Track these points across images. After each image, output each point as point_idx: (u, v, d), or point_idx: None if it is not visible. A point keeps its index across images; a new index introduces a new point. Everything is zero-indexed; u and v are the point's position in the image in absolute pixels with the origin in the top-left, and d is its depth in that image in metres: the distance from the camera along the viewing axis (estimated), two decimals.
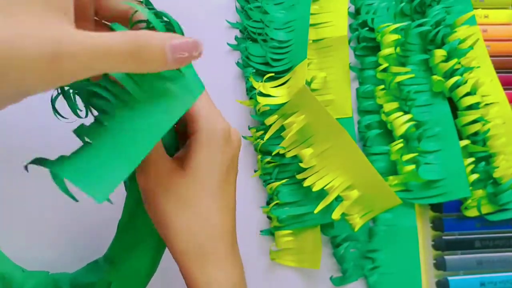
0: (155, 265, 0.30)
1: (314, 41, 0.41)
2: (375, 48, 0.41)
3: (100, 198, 0.20)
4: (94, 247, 0.36)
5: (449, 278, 0.38)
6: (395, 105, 0.39)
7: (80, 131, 0.21)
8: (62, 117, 0.26)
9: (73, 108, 0.25)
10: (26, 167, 0.20)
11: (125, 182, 0.29)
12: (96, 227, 0.37)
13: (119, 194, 0.36)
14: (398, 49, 0.40)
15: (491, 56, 0.41)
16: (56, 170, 0.20)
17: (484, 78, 0.40)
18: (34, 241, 0.36)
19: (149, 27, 0.23)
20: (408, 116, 0.38)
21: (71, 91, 0.25)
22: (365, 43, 0.41)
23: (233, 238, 0.27)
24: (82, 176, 0.20)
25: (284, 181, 0.38)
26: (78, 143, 0.22)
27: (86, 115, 0.25)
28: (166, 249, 0.29)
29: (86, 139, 0.21)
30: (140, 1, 0.25)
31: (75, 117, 0.26)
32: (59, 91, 0.25)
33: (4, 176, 0.37)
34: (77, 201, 0.21)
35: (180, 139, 0.29)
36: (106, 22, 0.25)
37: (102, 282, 0.30)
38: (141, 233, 0.29)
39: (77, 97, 0.25)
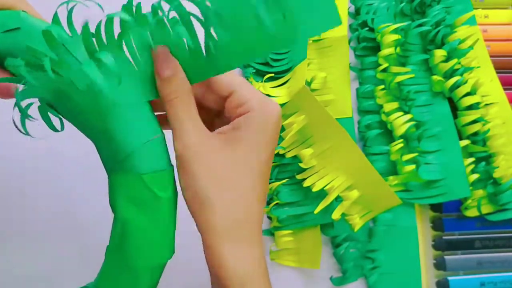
0: None
1: (314, 41, 0.41)
2: (375, 48, 0.41)
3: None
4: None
5: (449, 278, 0.38)
6: (395, 105, 0.39)
7: None
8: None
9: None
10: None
11: (113, 206, 0.25)
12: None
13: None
14: (398, 49, 0.40)
15: (491, 56, 0.41)
16: None
17: (484, 78, 0.40)
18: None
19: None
20: (408, 116, 0.38)
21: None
22: (365, 43, 0.41)
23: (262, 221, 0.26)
24: None
25: (284, 181, 0.38)
26: None
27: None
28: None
29: None
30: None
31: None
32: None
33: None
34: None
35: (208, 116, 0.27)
36: None
37: None
38: (129, 260, 0.25)
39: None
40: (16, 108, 0.22)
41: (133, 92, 0.24)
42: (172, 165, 0.25)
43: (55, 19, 0.23)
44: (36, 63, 0.22)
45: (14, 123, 0.23)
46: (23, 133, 0.23)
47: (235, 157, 0.24)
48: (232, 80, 0.25)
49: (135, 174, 0.23)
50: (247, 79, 0.40)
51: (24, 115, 0.22)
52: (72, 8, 0.25)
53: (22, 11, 0.24)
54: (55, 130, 0.24)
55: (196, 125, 0.24)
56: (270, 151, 0.25)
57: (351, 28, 0.42)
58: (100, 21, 0.24)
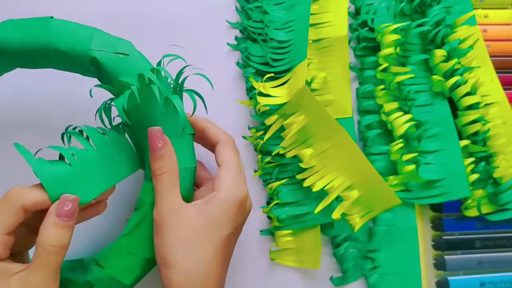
0: (139, 278, 0.31)
1: (314, 41, 0.41)
2: (375, 48, 0.41)
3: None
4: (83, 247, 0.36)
5: (449, 278, 0.38)
6: (395, 105, 0.39)
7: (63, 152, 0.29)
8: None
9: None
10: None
11: (141, 203, 0.32)
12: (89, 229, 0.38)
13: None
14: (398, 49, 0.40)
15: (491, 56, 0.41)
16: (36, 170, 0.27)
17: (484, 78, 0.40)
18: None
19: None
20: (408, 116, 0.38)
21: None
22: (365, 43, 0.41)
23: (223, 283, 0.30)
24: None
25: (284, 181, 0.38)
26: None
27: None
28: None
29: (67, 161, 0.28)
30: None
31: None
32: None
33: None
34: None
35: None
36: None
37: (83, 282, 0.30)
38: (136, 247, 0.31)
39: None
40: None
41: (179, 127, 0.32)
42: (193, 191, 0.32)
43: (159, 64, 0.32)
44: (145, 86, 0.30)
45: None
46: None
47: (202, 227, 0.28)
48: (221, 157, 0.32)
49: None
50: (247, 79, 0.40)
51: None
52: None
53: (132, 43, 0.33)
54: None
55: (174, 197, 0.29)
56: (232, 228, 0.29)
57: (351, 28, 0.42)
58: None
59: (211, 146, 0.33)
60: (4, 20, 0.32)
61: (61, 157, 0.29)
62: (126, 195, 0.38)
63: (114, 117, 0.34)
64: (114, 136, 0.31)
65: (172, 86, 0.32)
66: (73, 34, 0.31)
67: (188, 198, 0.31)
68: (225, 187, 0.29)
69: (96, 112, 0.32)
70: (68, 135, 0.31)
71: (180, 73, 0.32)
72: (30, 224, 0.28)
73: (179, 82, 0.32)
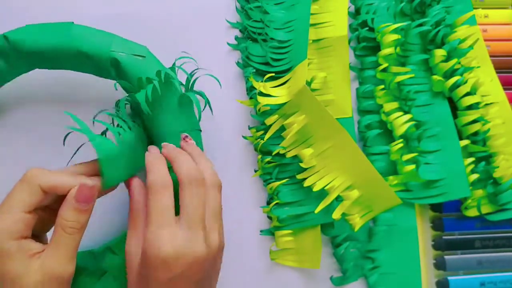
0: None
1: (314, 41, 0.41)
2: (375, 48, 0.41)
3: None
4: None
5: (449, 278, 0.38)
6: (395, 105, 0.39)
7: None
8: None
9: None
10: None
11: None
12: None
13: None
14: (398, 49, 0.40)
15: (491, 56, 0.41)
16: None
17: (484, 78, 0.40)
18: None
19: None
20: (408, 116, 0.38)
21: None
22: (365, 43, 0.41)
23: None
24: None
25: (284, 181, 0.38)
26: None
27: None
28: None
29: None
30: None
31: None
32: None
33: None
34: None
35: None
36: None
37: (96, 269, 0.32)
38: None
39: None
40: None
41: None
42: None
43: (173, 65, 0.35)
44: (167, 80, 0.34)
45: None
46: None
47: (142, 271, 0.28)
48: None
49: (174, 177, 0.31)
50: (248, 79, 0.40)
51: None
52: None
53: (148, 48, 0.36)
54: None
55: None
56: (159, 282, 0.27)
57: (351, 28, 0.42)
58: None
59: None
60: (27, 24, 0.35)
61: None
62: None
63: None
64: (137, 127, 0.34)
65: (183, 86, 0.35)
66: (95, 37, 0.34)
67: None
68: (144, 244, 0.28)
69: (117, 105, 0.35)
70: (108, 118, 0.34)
71: (191, 74, 0.35)
72: (50, 207, 0.28)
73: (190, 82, 0.35)
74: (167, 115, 0.34)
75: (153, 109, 0.33)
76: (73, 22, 0.34)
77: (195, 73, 0.36)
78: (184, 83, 0.36)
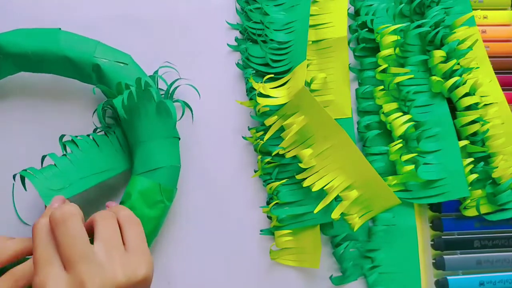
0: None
1: (313, 42, 0.42)
2: (375, 49, 0.42)
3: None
4: None
5: (448, 277, 0.38)
6: (394, 105, 0.40)
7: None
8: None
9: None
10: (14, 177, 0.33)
11: (128, 195, 0.35)
12: None
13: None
14: (397, 50, 0.40)
15: (490, 57, 0.41)
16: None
17: (483, 78, 0.40)
18: None
19: None
20: (407, 117, 0.39)
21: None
22: (365, 44, 0.42)
23: None
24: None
25: (284, 181, 0.38)
26: None
27: None
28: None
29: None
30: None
31: None
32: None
33: None
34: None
35: None
36: None
37: None
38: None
39: None
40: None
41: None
42: (176, 188, 0.36)
43: (153, 76, 0.38)
44: (145, 87, 0.34)
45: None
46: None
47: None
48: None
49: (156, 182, 0.34)
50: (247, 80, 0.40)
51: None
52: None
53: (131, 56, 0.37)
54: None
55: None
56: None
57: (350, 29, 0.43)
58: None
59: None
60: (17, 29, 0.36)
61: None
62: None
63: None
64: (101, 138, 0.35)
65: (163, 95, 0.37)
66: (80, 44, 0.36)
67: (171, 192, 0.35)
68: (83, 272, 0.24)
69: (94, 112, 0.37)
70: (62, 143, 0.35)
71: (172, 84, 0.37)
72: None
73: (170, 91, 0.37)
74: (144, 121, 0.35)
75: (130, 115, 0.34)
76: (60, 29, 0.36)
77: (179, 83, 0.38)
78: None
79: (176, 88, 0.38)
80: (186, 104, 0.37)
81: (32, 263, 0.27)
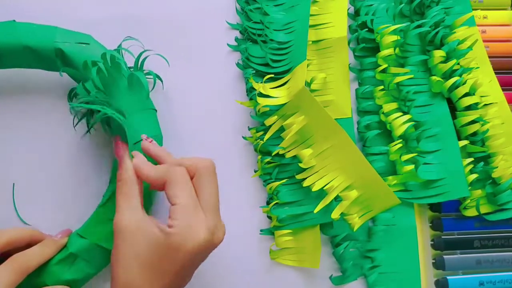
0: None
1: (313, 42, 0.42)
2: (375, 49, 0.42)
3: None
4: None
5: (448, 277, 0.38)
6: (394, 105, 0.40)
7: None
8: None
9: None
10: None
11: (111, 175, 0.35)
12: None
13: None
14: (397, 50, 0.40)
15: (490, 57, 0.41)
16: None
17: (483, 78, 0.40)
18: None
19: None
20: (407, 117, 0.39)
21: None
22: (365, 44, 0.42)
23: None
24: None
25: (284, 181, 0.38)
26: None
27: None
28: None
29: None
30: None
31: None
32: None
33: None
34: None
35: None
36: None
37: (67, 256, 0.32)
38: (113, 214, 0.31)
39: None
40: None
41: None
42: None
43: (118, 50, 0.37)
44: (113, 61, 0.33)
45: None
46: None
47: (161, 255, 0.27)
48: (174, 197, 0.28)
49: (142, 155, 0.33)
50: (247, 80, 0.40)
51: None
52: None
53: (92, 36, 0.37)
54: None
55: (131, 211, 0.29)
56: (176, 266, 0.27)
57: (350, 29, 0.43)
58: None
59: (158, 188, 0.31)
60: None
61: None
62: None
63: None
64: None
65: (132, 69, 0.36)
66: (38, 31, 0.35)
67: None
68: (180, 230, 0.27)
69: (69, 95, 0.37)
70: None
71: (139, 55, 0.36)
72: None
73: (139, 63, 0.36)
74: (117, 97, 0.34)
75: (103, 93, 0.34)
76: (14, 20, 0.36)
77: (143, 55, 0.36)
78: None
79: (144, 60, 0.37)
80: (157, 76, 0.36)
81: (36, 248, 0.31)
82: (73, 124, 0.37)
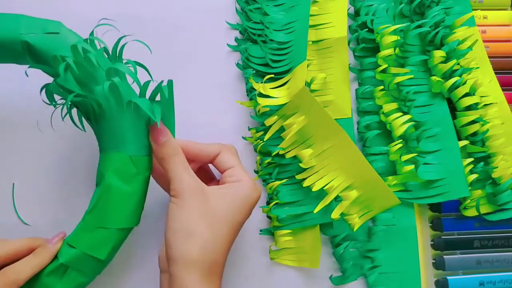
0: (114, 251, 0.32)
1: (314, 42, 0.42)
2: (375, 49, 0.42)
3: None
4: None
5: (448, 277, 0.38)
6: (394, 105, 0.40)
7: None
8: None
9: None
10: None
11: (100, 176, 0.32)
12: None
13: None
14: (397, 50, 0.40)
15: (490, 57, 0.41)
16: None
17: (483, 78, 0.40)
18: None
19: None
20: (407, 117, 0.39)
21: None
22: (365, 44, 0.42)
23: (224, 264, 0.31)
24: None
25: (284, 181, 0.38)
26: None
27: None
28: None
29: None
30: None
31: None
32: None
33: None
34: None
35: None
36: None
37: (57, 266, 0.31)
38: (104, 220, 0.31)
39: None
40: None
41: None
42: (151, 154, 0.32)
43: (92, 33, 0.32)
44: (81, 57, 0.30)
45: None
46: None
47: (223, 209, 0.31)
48: (231, 160, 0.33)
49: (126, 154, 0.31)
50: (247, 80, 0.40)
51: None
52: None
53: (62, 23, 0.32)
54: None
55: (192, 176, 0.31)
56: (245, 217, 0.32)
57: (350, 29, 0.43)
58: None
59: (208, 160, 0.34)
60: None
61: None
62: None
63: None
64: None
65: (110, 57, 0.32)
66: (1, 23, 0.31)
67: (145, 160, 0.32)
68: (247, 182, 0.32)
69: (46, 93, 0.32)
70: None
71: (116, 43, 0.32)
72: None
73: (118, 52, 0.32)
74: (98, 90, 0.31)
75: (83, 89, 0.31)
76: None
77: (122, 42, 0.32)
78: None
79: (123, 46, 0.32)
80: (139, 64, 0.32)
81: (26, 260, 0.30)
82: (61, 116, 0.32)
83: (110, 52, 0.32)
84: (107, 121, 0.31)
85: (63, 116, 0.32)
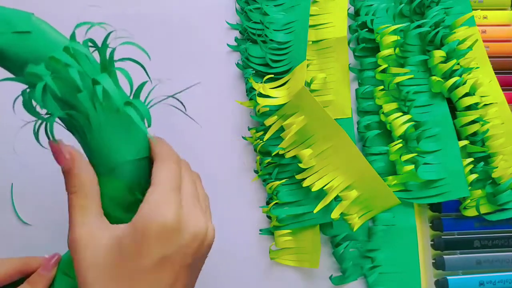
0: None
1: (313, 42, 0.42)
2: (375, 49, 0.42)
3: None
4: None
5: (448, 277, 0.38)
6: (394, 105, 0.40)
7: None
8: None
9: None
10: None
11: None
12: None
13: None
14: (397, 50, 0.40)
15: (490, 57, 0.41)
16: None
17: (483, 78, 0.40)
18: None
19: None
20: (407, 117, 0.39)
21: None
22: (365, 44, 0.42)
23: None
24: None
25: (283, 181, 0.38)
26: None
27: None
28: None
29: None
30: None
31: None
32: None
33: None
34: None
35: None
36: None
37: None
38: None
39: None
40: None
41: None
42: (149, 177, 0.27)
43: (73, 36, 0.25)
44: (61, 73, 0.24)
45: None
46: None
47: (114, 259, 0.24)
48: (153, 176, 0.25)
49: (122, 181, 0.26)
50: (247, 80, 0.40)
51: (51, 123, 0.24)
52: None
53: (34, 15, 0.25)
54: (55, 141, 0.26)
55: (84, 224, 0.25)
56: (151, 260, 0.23)
57: (350, 29, 0.43)
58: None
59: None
60: None
61: None
62: None
63: None
64: None
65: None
66: None
67: (144, 185, 0.26)
68: (143, 211, 0.23)
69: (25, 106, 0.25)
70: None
71: (104, 45, 0.25)
72: None
73: (108, 56, 0.26)
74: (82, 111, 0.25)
75: (66, 107, 0.25)
76: None
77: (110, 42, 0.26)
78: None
79: (114, 49, 0.26)
80: (136, 62, 0.27)
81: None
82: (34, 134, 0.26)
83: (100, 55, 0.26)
84: (95, 138, 0.26)
85: (46, 132, 0.26)
